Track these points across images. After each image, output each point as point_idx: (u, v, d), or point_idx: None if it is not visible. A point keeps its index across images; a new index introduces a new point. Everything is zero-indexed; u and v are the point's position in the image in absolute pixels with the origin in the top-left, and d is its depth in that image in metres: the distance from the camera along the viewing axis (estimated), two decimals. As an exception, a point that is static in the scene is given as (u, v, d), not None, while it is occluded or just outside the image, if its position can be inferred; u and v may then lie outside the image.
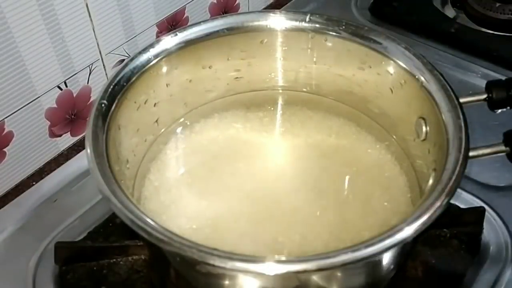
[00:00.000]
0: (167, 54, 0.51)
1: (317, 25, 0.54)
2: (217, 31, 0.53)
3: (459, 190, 0.43)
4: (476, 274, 0.51)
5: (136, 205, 0.39)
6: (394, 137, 0.55)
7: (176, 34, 0.52)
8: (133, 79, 0.49)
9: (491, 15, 0.78)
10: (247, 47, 0.56)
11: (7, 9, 0.51)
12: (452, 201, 0.42)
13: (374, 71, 0.53)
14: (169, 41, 0.52)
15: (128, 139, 0.49)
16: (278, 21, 0.54)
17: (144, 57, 0.50)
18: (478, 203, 0.56)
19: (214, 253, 0.36)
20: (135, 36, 0.66)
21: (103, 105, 0.46)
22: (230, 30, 0.54)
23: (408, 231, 0.37)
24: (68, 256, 0.51)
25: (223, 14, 0.77)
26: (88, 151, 0.42)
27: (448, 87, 0.46)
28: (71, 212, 0.57)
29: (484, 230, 0.54)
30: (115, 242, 0.52)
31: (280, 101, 0.60)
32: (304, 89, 0.59)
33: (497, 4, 0.78)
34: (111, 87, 0.47)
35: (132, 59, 0.50)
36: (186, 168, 0.56)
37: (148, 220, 0.38)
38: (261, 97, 0.59)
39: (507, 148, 0.44)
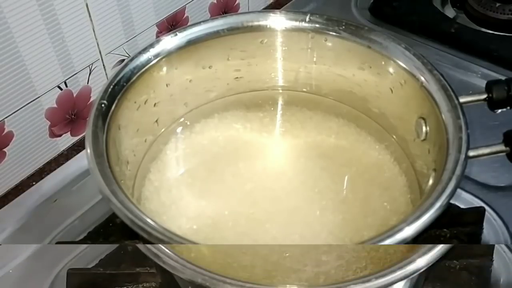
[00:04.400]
0: (167, 54, 0.51)
1: (317, 25, 0.54)
2: (217, 31, 0.53)
3: (459, 190, 0.43)
4: (476, 274, 0.51)
5: (136, 205, 0.39)
6: (394, 137, 0.55)
7: (176, 34, 0.52)
8: (133, 79, 0.49)
9: (491, 15, 0.78)
10: (247, 47, 0.55)
11: (7, 9, 0.51)
12: (452, 201, 0.42)
13: (374, 71, 0.53)
14: (169, 41, 0.52)
15: (128, 139, 0.49)
16: (278, 21, 0.54)
17: (144, 57, 0.50)
18: (478, 203, 0.56)
19: (226, 281, 0.35)
20: (135, 36, 0.66)
21: (103, 105, 0.46)
22: (230, 30, 0.54)
23: (408, 231, 0.37)
24: (80, 283, 0.50)
25: (223, 14, 0.77)
26: (88, 151, 0.42)
27: (448, 87, 0.46)
28: (71, 212, 0.57)
29: (484, 230, 0.54)
30: (125, 269, 0.51)
31: (280, 101, 0.60)
32: (304, 89, 0.59)
33: (497, 4, 0.78)
34: (111, 87, 0.47)
35: (132, 59, 0.50)
36: (186, 168, 0.56)
37: (148, 220, 0.38)
38: (261, 97, 0.59)
39: (507, 148, 0.44)
